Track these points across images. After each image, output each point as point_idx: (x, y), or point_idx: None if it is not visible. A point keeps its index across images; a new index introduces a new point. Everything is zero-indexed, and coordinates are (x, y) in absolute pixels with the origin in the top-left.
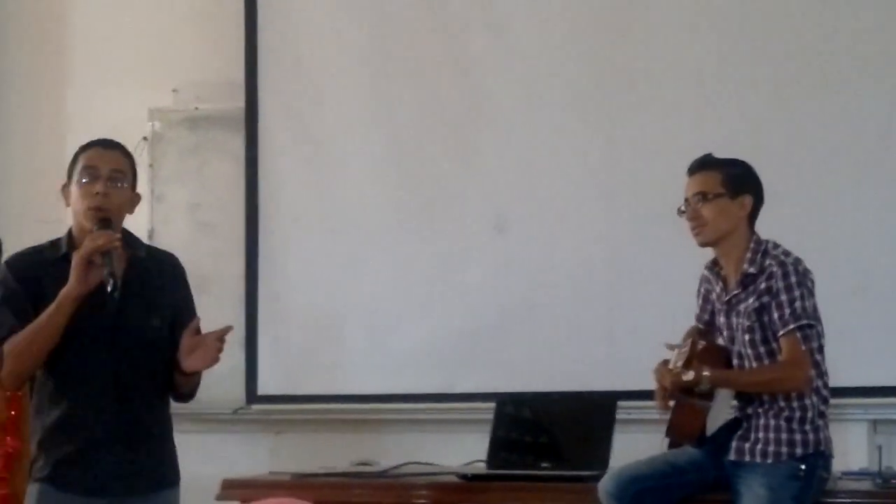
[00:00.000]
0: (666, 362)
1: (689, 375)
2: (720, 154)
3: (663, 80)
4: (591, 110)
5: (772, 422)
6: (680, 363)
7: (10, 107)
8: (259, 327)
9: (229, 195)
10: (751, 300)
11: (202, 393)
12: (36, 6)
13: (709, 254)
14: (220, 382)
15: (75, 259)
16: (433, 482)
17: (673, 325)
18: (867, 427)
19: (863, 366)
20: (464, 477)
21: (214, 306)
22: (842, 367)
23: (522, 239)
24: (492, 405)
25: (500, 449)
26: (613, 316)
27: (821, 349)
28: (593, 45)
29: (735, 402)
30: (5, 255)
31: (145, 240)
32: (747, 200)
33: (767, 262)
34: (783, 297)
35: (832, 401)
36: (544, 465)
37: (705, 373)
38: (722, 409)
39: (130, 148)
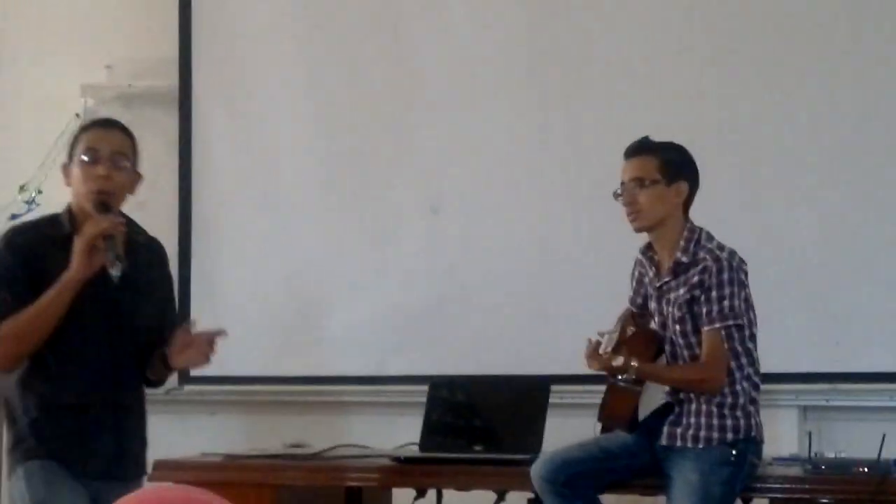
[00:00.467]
0: (596, 345)
1: (618, 361)
2: (654, 139)
3: (598, 65)
4: (525, 93)
5: (703, 407)
6: (610, 348)
7: None
8: (191, 307)
9: (162, 173)
10: (682, 290)
11: None
12: None
13: (643, 238)
14: None
15: (79, 243)
16: (366, 464)
17: (607, 309)
18: (797, 413)
19: (793, 352)
20: (396, 459)
21: None
22: (773, 354)
23: (456, 221)
24: (424, 388)
25: (434, 432)
26: (547, 299)
27: (753, 338)
28: (529, 29)
29: (667, 388)
30: None
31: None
32: (683, 187)
33: (702, 254)
34: (713, 294)
35: (763, 387)
36: (477, 448)
37: (633, 363)
38: (654, 394)
39: (62, 124)
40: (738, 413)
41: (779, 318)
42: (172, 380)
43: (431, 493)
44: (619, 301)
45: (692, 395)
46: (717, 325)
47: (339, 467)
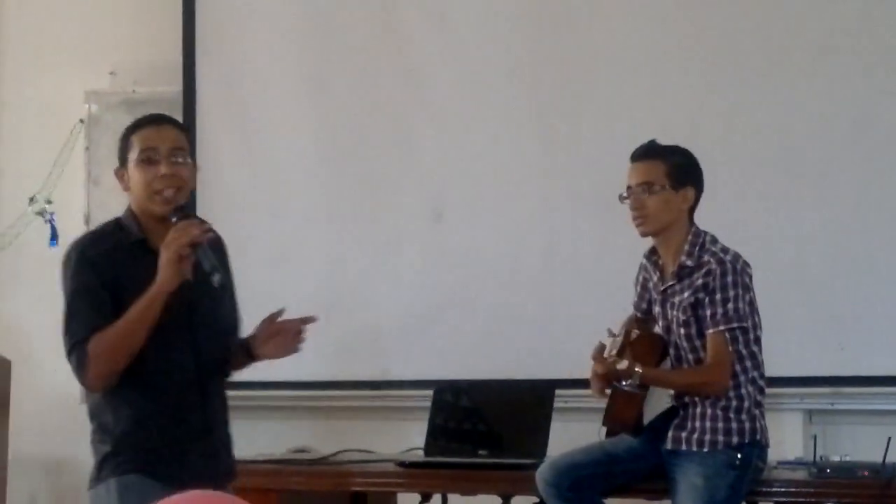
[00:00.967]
0: (603, 348)
1: (623, 364)
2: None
3: (602, 70)
4: (529, 99)
5: (708, 411)
6: (614, 352)
7: None
8: None
9: None
10: (686, 293)
11: None
12: None
13: (647, 242)
14: None
15: (167, 253)
16: (371, 469)
17: (611, 313)
18: (803, 416)
19: (799, 356)
20: (401, 464)
21: None
22: (778, 358)
23: (460, 226)
24: (429, 393)
25: (438, 436)
26: (552, 304)
27: (757, 341)
28: (533, 35)
29: (672, 391)
30: None
31: (82, 224)
32: (690, 192)
33: (706, 257)
34: (718, 296)
35: (768, 390)
36: (482, 452)
37: (637, 369)
38: (659, 398)
39: (66, 130)
40: (743, 416)
41: (783, 322)
42: None
43: (436, 498)
44: (623, 306)
45: (697, 399)
46: (722, 328)
47: (343, 472)
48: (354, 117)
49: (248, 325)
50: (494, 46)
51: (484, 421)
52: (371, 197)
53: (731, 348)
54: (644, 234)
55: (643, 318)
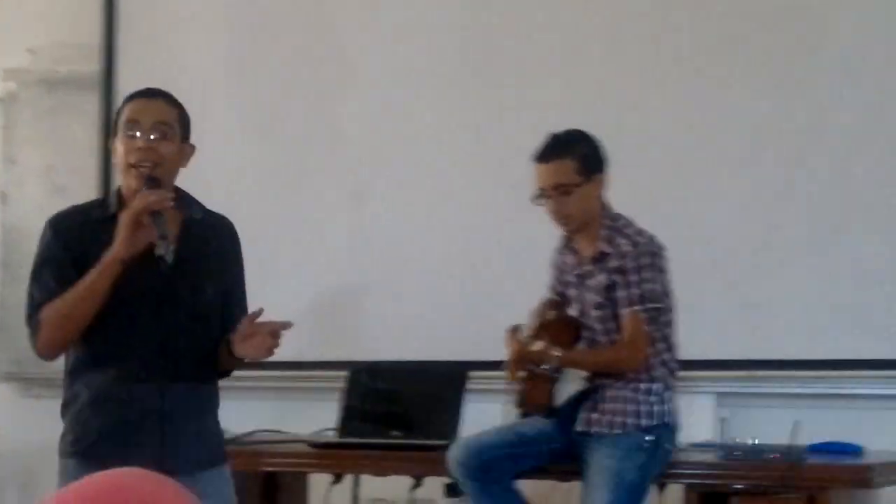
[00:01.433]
0: (516, 329)
1: (537, 346)
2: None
3: (529, 55)
4: (455, 82)
5: (619, 393)
6: (529, 334)
7: None
8: None
9: (84, 158)
10: (601, 276)
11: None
12: None
13: None
14: None
15: (122, 219)
16: (282, 450)
17: (528, 296)
18: (714, 399)
19: (710, 339)
20: (313, 445)
21: None
22: (690, 341)
23: (381, 208)
24: (343, 374)
25: (352, 418)
26: (468, 286)
27: (670, 323)
28: (461, 17)
29: (584, 373)
30: None
31: None
32: (601, 177)
33: (621, 240)
34: (632, 278)
35: (680, 373)
36: (395, 433)
37: (555, 353)
38: (571, 380)
39: None
40: (654, 399)
41: (696, 305)
42: None
43: (349, 479)
44: (540, 289)
45: (608, 382)
46: (637, 308)
47: (255, 452)
48: (278, 97)
49: None
50: (423, 29)
51: (397, 402)
52: (293, 176)
53: (645, 328)
54: (570, 233)
55: (558, 301)
